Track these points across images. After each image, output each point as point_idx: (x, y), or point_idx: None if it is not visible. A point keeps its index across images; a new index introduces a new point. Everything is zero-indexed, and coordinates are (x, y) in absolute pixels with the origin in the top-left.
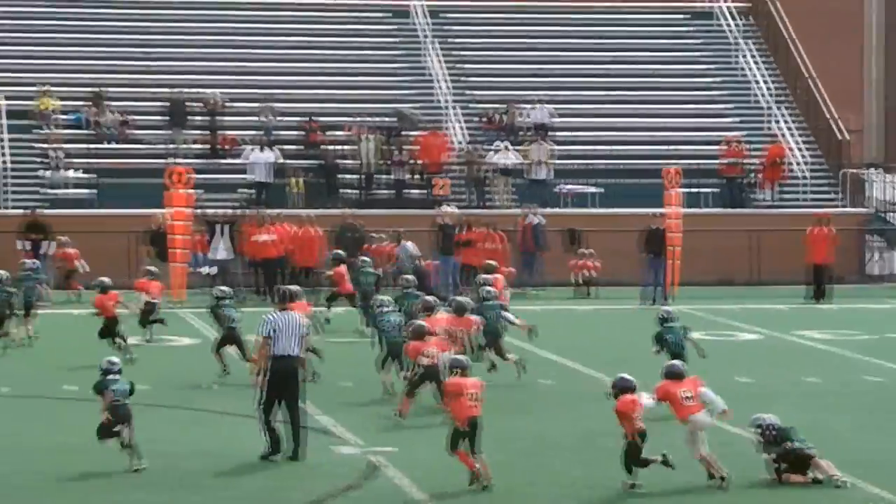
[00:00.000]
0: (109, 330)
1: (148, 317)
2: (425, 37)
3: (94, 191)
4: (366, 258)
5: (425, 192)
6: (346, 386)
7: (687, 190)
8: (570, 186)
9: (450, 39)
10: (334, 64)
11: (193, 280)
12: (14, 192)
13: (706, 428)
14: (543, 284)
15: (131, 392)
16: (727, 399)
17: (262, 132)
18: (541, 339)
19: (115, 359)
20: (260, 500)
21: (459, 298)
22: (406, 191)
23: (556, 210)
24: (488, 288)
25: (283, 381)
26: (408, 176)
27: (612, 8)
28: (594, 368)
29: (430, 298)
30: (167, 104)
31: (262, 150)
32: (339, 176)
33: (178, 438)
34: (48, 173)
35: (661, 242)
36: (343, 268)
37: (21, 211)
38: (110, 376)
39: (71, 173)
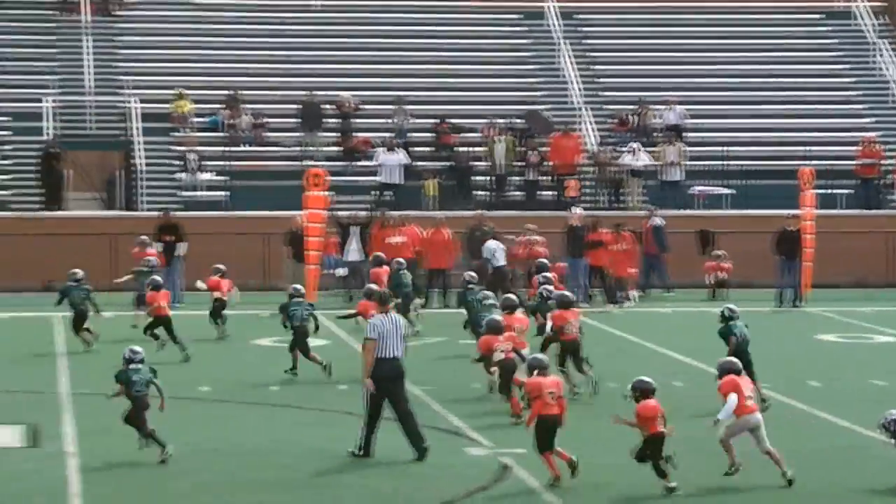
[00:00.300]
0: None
1: (219, 313)
2: (559, 38)
3: (227, 193)
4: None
5: (557, 193)
6: (476, 387)
7: (821, 191)
8: (703, 188)
9: (583, 41)
10: (467, 66)
11: (327, 282)
12: (148, 195)
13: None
14: (667, 286)
15: (151, 382)
16: (863, 401)
17: (394, 134)
18: (673, 341)
19: (137, 348)
20: (392, 501)
21: (508, 295)
22: (538, 192)
23: (689, 212)
24: (549, 287)
25: (390, 383)
26: (540, 177)
27: (747, 8)
28: None
29: (510, 296)
30: (300, 107)
31: (391, 151)
32: (476, 178)
33: (303, 440)
34: (184, 176)
35: (795, 244)
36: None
37: (154, 214)
38: (132, 366)
39: (205, 175)
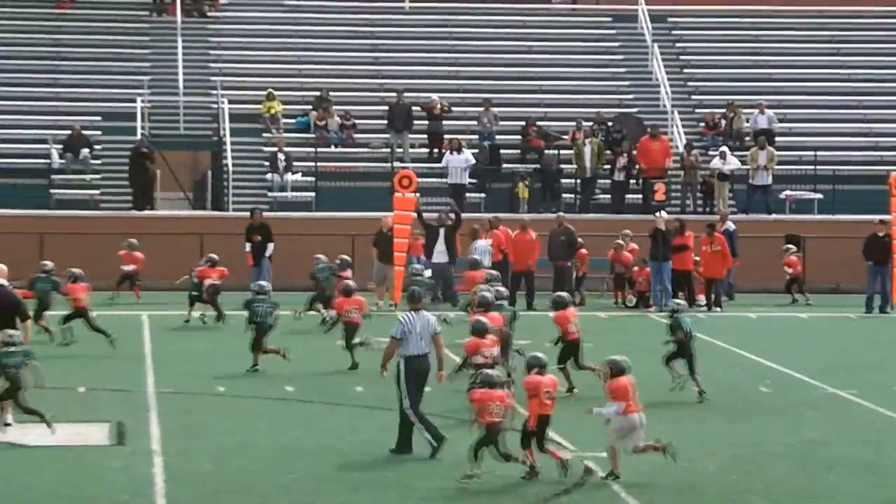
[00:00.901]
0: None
1: (214, 297)
2: (649, 41)
3: (314, 194)
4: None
5: (643, 197)
6: (560, 390)
7: None
8: (792, 192)
9: (675, 45)
10: (556, 68)
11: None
12: (237, 195)
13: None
14: (728, 294)
15: (22, 364)
16: None
17: (481, 136)
18: (760, 346)
19: (12, 332)
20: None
21: (485, 293)
22: (625, 196)
23: (778, 216)
24: (499, 288)
25: (421, 379)
26: (632, 181)
27: (839, 12)
28: (812, 376)
29: (485, 293)
30: (389, 108)
31: (457, 152)
32: (563, 181)
33: (386, 440)
34: (272, 176)
35: (885, 250)
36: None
37: (241, 214)
38: (4, 349)
39: (293, 176)
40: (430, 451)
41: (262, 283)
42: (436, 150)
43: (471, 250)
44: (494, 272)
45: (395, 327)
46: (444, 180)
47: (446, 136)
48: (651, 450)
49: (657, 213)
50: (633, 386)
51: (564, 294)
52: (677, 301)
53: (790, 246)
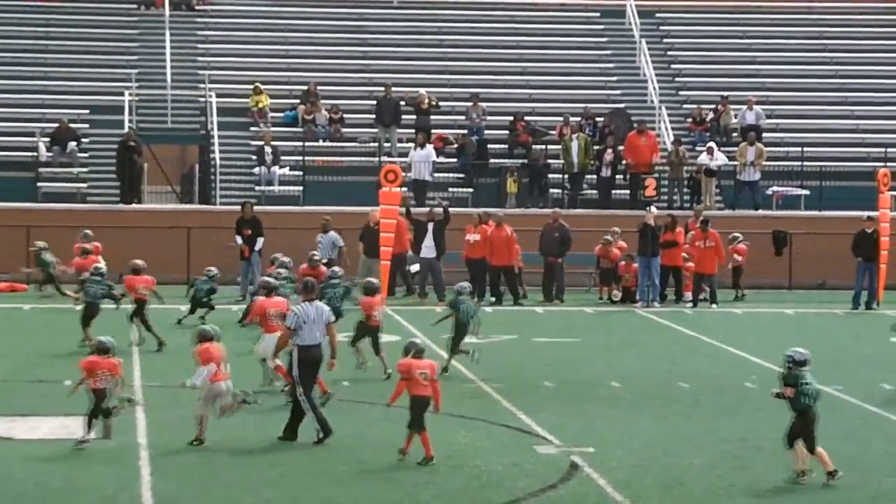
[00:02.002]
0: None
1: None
2: (637, 37)
3: (302, 188)
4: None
5: (630, 192)
6: (547, 385)
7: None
8: (779, 188)
9: (662, 40)
10: (544, 63)
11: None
12: (224, 189)
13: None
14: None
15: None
16: None
17: (469, 131)
18: (746, 342)
19: None
20: (461, 498)
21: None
22: (613, 191)
23: (765, 212)
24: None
25: (314, 368)
26: (616, 176)
27: (827, 8)
28: None
29: (372, 280)
30: (376, 102)
31: (420, 147)
32: (550, 176)
33: (372, 435)
34: (261, 170)
35: (874, 246)
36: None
37: (230, 208)
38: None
39: (281, 170)
40: (316, 439)
41: (212, 267)
42: (431, 146)
43: (316, 244)
44: (337, 269)
45: (289, 318)
46: (436, 175)
47: (434, 131)
48: (231, 410)
49: (648, 209)
50: (220, 352)
51: (375, 280)
52: (462, 285)
53: (738, 235)
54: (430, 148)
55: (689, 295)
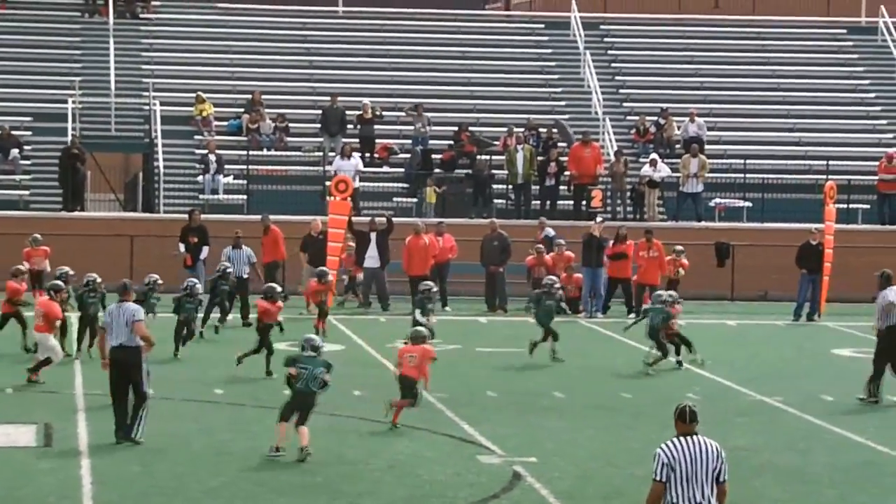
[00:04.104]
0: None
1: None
2: (582, 48)
3: (246, 197)
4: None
5: (575, 203)
6: (491, 395)
7: (840, 206)
8: (722, 200)
9: (607, 52)
10: (489, 74)
11: (340, 287)
12: (168, 197)
13: None
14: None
15: None
16: (877, 417)
17: (414, 141)
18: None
19: None
20: None
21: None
22: (558, 202)
23: (708, 224)
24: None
25: (119, 369)
26: (560, 187)
27: (770, 21)
28: (740, 384)
29: (272, 285)
30: (321, 112)
31: (347, 158)
32: (495, 186)
33: (318, 444)
34: (205, 178)
35: (818, 258)
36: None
37: (174, 216)
38: None
39: (225, 179)
40: (116, 439)
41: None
42: (367, 155)
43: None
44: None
45: (104, 318)
46: (376, 185)
47: (378, 141)
48: None
49: (595, 220)
50: None
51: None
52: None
53: (681, 248)
54: (356, 158)
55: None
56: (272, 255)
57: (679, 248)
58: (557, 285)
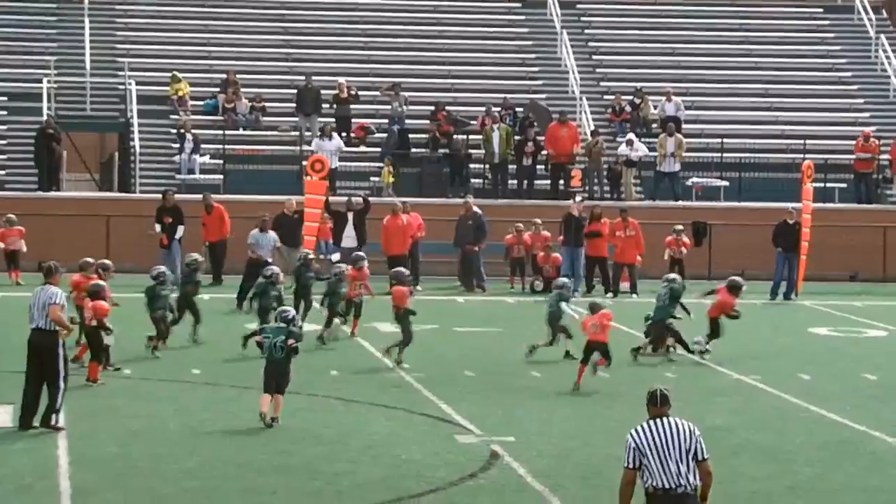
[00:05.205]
0: None
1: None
2: (559, 27)
3: (222, 176)
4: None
5: (551, 182)
6: (468, 374)
7: (817, 185)
8: (699, 179)
9: (584, 31)
10: (466, 53)
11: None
12: (144, 177)
13: None
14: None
15: None
16: (854, 396)
17: (391, 120)
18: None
19: None
20: (381, 488)
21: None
22: (535, 182)
23: (685, 203)
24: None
25: (35, 353)
26: (537, 167)
27: (747, 1)
28: (717, 363)
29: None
30: (297, 91)
31: (327, 137)
32: (472, 166)
33: (296, 425)
34: (181, 158)
35: (794, 237)
36: None
37: (150, 196)
38: None
39: (201, 159)
40: (19, 423)
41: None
42: (343, 135)
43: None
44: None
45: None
46: (354, 164)
47: (354, 120)
48: None
49: (575, 199)
50: None
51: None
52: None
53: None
54: (337, 138)
55: (624, 286)
56: (218, 234)
57: (679, 227)
58: (570, 286)
